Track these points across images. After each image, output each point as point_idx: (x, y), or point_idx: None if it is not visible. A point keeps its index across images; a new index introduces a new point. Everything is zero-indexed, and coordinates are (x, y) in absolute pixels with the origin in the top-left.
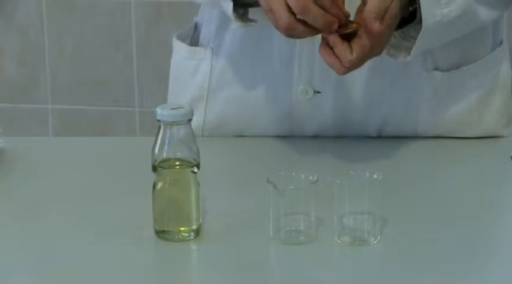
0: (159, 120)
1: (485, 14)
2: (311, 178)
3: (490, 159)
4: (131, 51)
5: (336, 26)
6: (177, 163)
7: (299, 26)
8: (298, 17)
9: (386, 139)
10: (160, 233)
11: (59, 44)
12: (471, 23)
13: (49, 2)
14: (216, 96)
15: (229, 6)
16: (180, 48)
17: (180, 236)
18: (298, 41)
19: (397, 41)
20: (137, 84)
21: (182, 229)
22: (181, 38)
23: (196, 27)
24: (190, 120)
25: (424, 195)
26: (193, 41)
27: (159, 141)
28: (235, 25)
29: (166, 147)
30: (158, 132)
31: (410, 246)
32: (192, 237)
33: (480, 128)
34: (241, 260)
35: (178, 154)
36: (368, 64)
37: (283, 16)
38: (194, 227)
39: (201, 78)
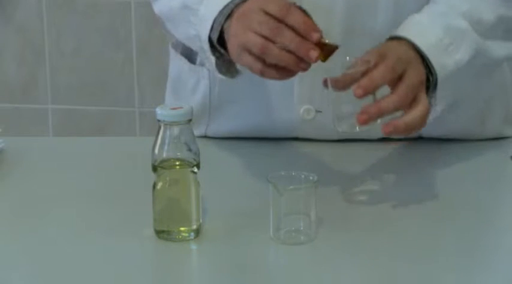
0: (159, 120)
1: (500, 50)
2: (311, 178)
3: (490, 159)
4: (131, 51)
5: (314, 54)
6: (177, 163)
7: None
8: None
9: (388, 140)
10: (160, 233)
11: (59, 44)
12: (487, 61)
13: (49, 2)
14: (217, 114)
15: (212, 62)
16: (178, 61)
17: (180, 236)
18: None
19: None
20: (137, 84)
21: (182, 229)
22: (175, 46)
23: None
24: (190, 120)
25: (424, 195)
26: (186, 48)
27: (159, 141)
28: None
29: (166, 147)
30: (158, 132)
31: (411, 246)
32: (192, 237)
33: (483, 133)
34: (241, 260)
35: (178, 154)
36: None
37: (253, 66)
38: (194, 227)
39: (202, 96)
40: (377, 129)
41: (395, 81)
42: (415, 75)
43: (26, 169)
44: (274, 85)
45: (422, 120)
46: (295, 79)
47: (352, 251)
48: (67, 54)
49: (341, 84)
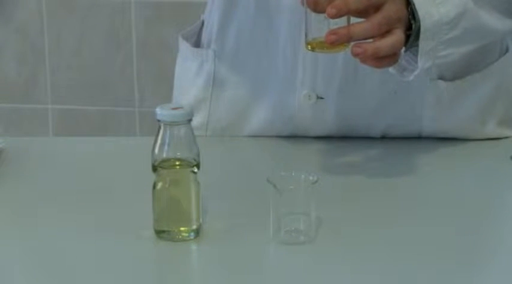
0: (159, 120)
1: (494, 20)
2: (311, 178)
3: (490, 159)
4: (131, 51)
5: None
6: (177, 163)
7: None
8: None
9: (388, 139)
10: (160, 233)
11: (59, 44)
12: (478, 27)
13: (49, 2)
14: (220, 98)
15: None
16: (183, 48)
17: (180, 236)
18: (302, 45)
19: (408, 63)
20: (137, 84)
21: (182, 229)
22: (187, 37)
23: (203, 25)
24: (190, 120)
25: (423, 195)
26: (199, 40)
27: (159, 141)
28: None
29: (166, 147)
30: (158, 132)
31: (411, 246)
32: (192, 237)
33: (483, 134)
34: (241, 260)
35: (178, 154)
36: (371, 71)
37: None
38: (194, 227)
39: (204, 79)
40: (377, 127)
41: (372, 13)
42: (393, 9)
43: (26, 169)
44: (279, 69)
45: (394, 50)
46: (299, 64)
47: (352, 251)
48: (67, 54)
49: (319, 6)
